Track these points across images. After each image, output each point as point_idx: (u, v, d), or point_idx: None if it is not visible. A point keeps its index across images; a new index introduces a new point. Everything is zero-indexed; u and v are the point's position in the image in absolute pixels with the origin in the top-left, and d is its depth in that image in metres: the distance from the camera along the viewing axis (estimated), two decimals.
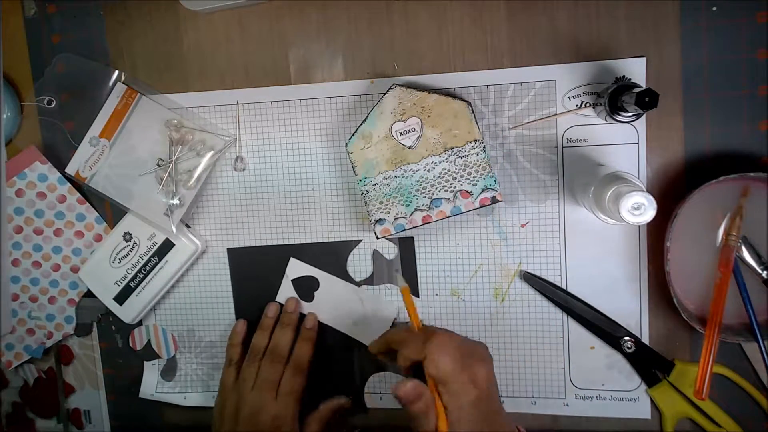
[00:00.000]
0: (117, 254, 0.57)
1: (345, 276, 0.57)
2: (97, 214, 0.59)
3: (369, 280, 0.56)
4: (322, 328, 0.58)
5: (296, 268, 0.57)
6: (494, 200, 0.49)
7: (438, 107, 0.49)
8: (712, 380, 0.47)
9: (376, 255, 0.56)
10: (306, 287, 0.58)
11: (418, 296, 0.55)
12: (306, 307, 0.58)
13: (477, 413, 0.42)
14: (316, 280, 0.57)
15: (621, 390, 0.53)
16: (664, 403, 0.52)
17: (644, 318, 0.52)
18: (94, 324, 0.62)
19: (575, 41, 0.50)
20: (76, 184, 0.59)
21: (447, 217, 0.50)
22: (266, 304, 0.58)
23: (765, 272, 0.48)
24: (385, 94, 0.50)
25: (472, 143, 0.49)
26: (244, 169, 0.57)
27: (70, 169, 0.57)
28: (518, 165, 0.52)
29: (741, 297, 0.48)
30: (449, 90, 0.52)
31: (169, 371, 0.61)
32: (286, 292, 0.58)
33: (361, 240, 0.56)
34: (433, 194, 0.50)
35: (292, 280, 0.57)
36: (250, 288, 0.58)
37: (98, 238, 0.60)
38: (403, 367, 0.46)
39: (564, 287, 0.53)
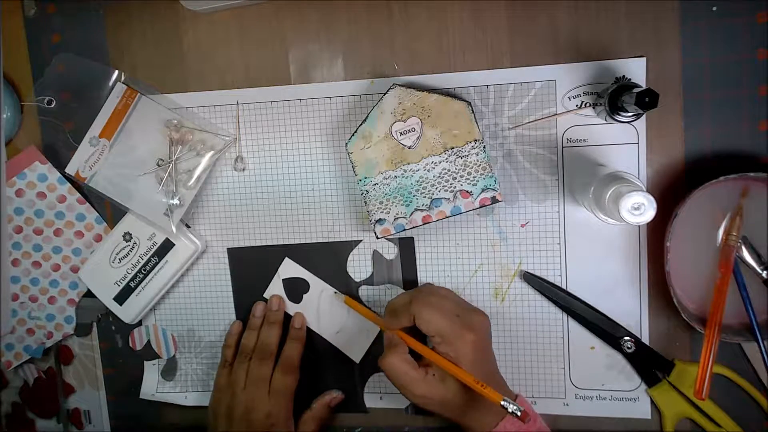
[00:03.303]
0: (117, 254, 0.57)
1: (341, 278, 0.57)
2: (97, 214, 0.59)
3: (369, 281, 0.56)
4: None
5: (289, 269, 0.57)
6: (494, 200, 0.49)
7: (438, 107, 0.49)
8: (712, 380, 0.47)
9: (376, 255, 0.56)
10: (295, 288, 0.58)
11: None
12: (293, 309, 0.58)
13: (475, 355, 0.46)
14: (307, 282, 0.57)
15: (621, 390, 0.53)
16: (664, 403, 0.52)
17: (644, 318, 0.52)
18: (94, 324, 0.62)
19: (575, 41, 0.50)
20: (76, 184, 0.59)
21: (447, 217, 0.50)
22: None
23: (765, 272, 0.48)
24: (385, 94, 0.50)
25: (472, 143, 0.49)
26: (244, 169, 0.57)
27: (70, 169, 0.57)
28: (518, 165, 0.52)
29: (741, 297, 0.48)
30: (449, 90, 0.52)
31: (169, 371, 0.61)
32: (274, 290, 0.58)
33: (361, 240, 0.56)
34: (433, 194, 0.50)
35: (283, 280, 0.57)
36: (250, 288, 0.58)
37: (98, 238, 0.60)
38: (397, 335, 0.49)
39: (564, 287, 0.53)
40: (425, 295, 0.49)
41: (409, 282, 0.55)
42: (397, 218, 0.51)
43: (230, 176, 0.57)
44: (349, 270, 0.56)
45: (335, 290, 0.57)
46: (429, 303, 0.47)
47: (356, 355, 0.57)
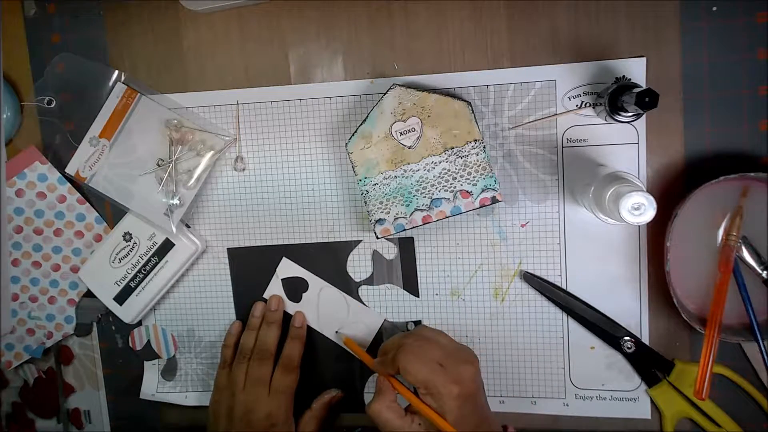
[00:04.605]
0: (117, 254, 0.57)
1: (341, 278, 0.57)
2: (97, 214, 0.59)
3: (369, 281, 0.56)
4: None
5: (287, 268, 0.57)
6: (494, 200, 0.49)
7: (438, 107, 0.49)
8: (712, 380, 0.47)
9: (376, 255, 0.56)
10: (295, 288, 0.58)
11: (418, 296, 0.55)
12: (293, 308, 0.58)
13: (462, 409, 0.44)
14: (305, 282, 0.57)
15: (621, 390, 0.53)
16: (664, 403, 0.52)
17: (644, 318, 0.52)
18: (94, 324, 0.62)
19: (575, 41, 0.50)
20: (76, 184, 0.59)
21: (447, 217, 0.50)
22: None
23: (765, 272, 0.48)
24: (385, 94, 0.50)
25: (472, 143, 0.49)
26: (244, 169, 0.57)
27: (70, 169, 0.57)
28: (518, 165, 0.52)
29: (741, 297, 0.48)
30: (449, 90, 0.52)
31: (169, 371, 0.61)
32: (274, 290, 0.58)
33: (361, 240, 0.56)
34: (433, 194, 0.50)
35: (282, 280, 0.57)
36: (250, 288, 0.58)
37: (98, 238, 0.60)
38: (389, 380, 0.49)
39: (564, 287, 0.53)
40: (412, 342, 0.47)
41: (409, 282, 0.55)
42: (397, 218, 0.51)
43: (230, 176, 0.57)
44: (349, 270, 0.56)
45: (337, 330, 0.57)
46: (413, 352, 0.46)
47: None
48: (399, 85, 0.49)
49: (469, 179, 0.49)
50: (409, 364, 0.45)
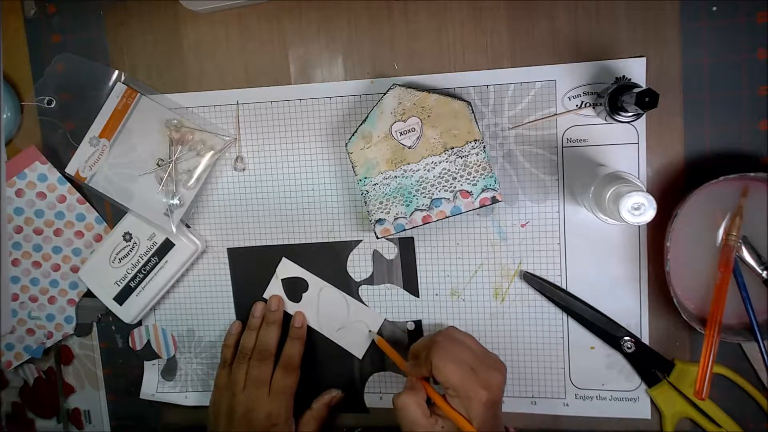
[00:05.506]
0: (117, 254, 0.57)
1: (341, 278, 0.57)
2: (97, 214, 0.59)
3: (369, 281, 0.56)
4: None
5: (287, 268, 0.57)
6: (494, 200, 0.49)
7: (438, 107, 0.49)
8: (712, 380, 0.47)
9: (376, 255, 0.56)
10: (295, 288, 0.58)
11: (418, 296, 0.55)
12: (293, 308, 0.58)
13: (486, 414, 0.45)
14: (305, 282, 0.57)
15: (621, 390, 0.53)
16: (664, 403, 0.52)
17: (644, 318, 0.52)
18: (94, 324, 0.62)
19: (575, 41, 0.50)
20: (76, 184, 0.59)
21: (447, 217, 0.50)
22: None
23: (765, 272, 0.48)
24: (385, 94, 0.50)
25: (472, 143, 0.49)
26: (244, 169, 0.57)
27: (70, 169, 0.57)
28: (518, 165, 0.52)
29: (741, 297, 0.48)
30: (449, 90, 0.52)
31: (169, 371, 0.61)
32: (274, 291, 0.58)
33: (361, 240, 0.56)
34: (433, 194, 0.50)
35: (282, 280, 0.57)
36: (250, 288, 0.58)
37: (98, 238, 0.60)
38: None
39: (564, 287, 0.53)
40: (444, 342, 0.47)
41: (409, 282, 0.55)
42: (397, 218, 0.51)
43: (230, 176, 0.57)
44: (349, 270, 0.56)
45: (370, 329, 0.56)
46: (447, 352, 0.46)
47: (358, 351, 0.57)
48: (399, 85, 0.50)
49: (469, 179, 0.49)
50: (442, 363, 0.45)
